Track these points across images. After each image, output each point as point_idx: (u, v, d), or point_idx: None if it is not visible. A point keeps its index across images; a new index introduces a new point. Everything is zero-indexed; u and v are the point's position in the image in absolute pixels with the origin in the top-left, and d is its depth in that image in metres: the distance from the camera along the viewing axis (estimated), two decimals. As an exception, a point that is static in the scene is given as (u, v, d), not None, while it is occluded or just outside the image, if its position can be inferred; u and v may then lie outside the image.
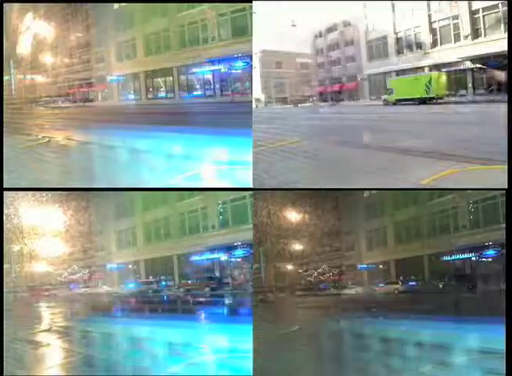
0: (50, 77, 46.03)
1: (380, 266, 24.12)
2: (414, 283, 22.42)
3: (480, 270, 19.50)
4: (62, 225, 20.69)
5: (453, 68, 40.10)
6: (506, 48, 24.39)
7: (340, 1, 53.12)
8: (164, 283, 23.98)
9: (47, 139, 18.45)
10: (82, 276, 24.09)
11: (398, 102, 41.33)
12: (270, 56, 60.22)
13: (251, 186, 10.72)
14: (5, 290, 10.70)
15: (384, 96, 44.48)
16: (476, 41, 37.76)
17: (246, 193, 19.50)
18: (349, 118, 32.14)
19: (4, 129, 12.26)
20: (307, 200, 20.77)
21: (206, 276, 21.91)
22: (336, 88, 55.62)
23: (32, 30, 37.41)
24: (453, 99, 38.96)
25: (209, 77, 41.42)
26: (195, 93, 42.67)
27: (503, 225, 9.98)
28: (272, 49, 63.51)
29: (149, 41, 47.32)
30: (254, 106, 45.66)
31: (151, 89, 48.23)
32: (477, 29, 37.70)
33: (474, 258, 19.76)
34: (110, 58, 49.27)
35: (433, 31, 42.42)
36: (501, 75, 34.88)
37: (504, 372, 7.77)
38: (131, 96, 47.94)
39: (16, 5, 29.90)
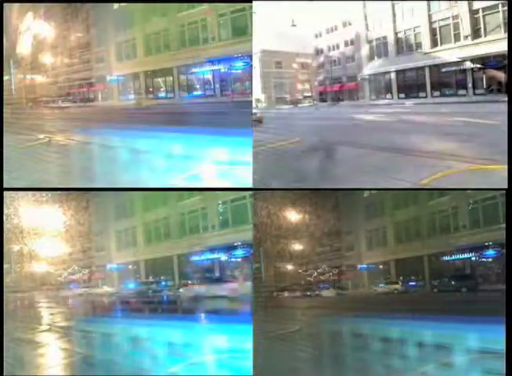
0: (50, 77, 45.99)
1: (380, 266, 24.13)
2: (414, 283, 22.44)
3: (480, 270, 19.52)
4: (62, 226, 20.67)
5: (453, 68, 40.09)
6: (506, 48, 24.45)
7: (341, 1, 53.13)
8: (163, 283, 23.98)
9: (47, 139, 18.47)
10: (82, 276, 24.08)
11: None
12: (270, 56, 60.22)
13: (251, 186, 10.72)
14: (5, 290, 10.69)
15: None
16: (476, 41, 37.75)
17: (246, 193, 19.50)
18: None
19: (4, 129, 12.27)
20: (307, 200, 20.76)
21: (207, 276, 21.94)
22: (336, 88, 55.62)
23: (32, 30, 37.45)
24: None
25: (209, 77, 41.45)
26: (195, 93, 42.71)
27: (503, 225, 9.98)
28: (272, 49, 63.53)
29: (149, 41, 47.35)
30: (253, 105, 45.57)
31: (151, 89, 48.28)
32: (478, 29, 37.69)
33: (474, 258, 19.76)
34: (110, 58, 49.28)
35: (433, 31, 42.41)
36: (501, 75, 34.90)
37: (504, 372, 7.77)
38: (131, 96, 47.89)
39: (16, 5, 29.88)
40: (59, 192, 18.46)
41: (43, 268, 22.37)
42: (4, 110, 12.46)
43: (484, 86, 37.96)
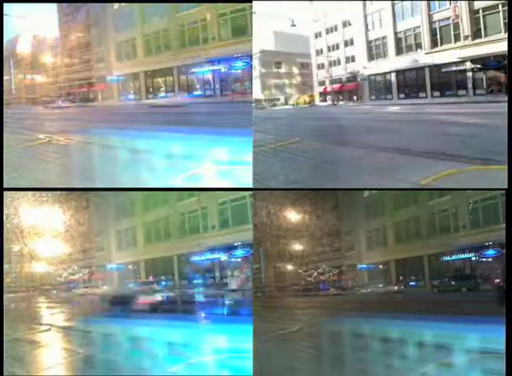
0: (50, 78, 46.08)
1: (380, 266, 24.14)
2: (414, 283, 22.44)
3: (480, 270, 19.53)
4: (62, 226, 20.68)
5: (453, 68, 40.11)
6: (506, 49, 24.44)
7: (341, 0, 53.16)
8: (163, 283, 23.99)
9: (47, 139, 18.48)
10: (82, 276, 24.09)
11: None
12: (270, 56, 60.22)
13: (251, 186, 10.71)
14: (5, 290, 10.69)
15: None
16: (476, 41, 37.75)
17: (246, 193, 19.50)
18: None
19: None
20: (307, 200, 20.77)
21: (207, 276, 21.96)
22: (336, 88, 55.62)
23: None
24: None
25: (209, 77, 41.48)
26: (195, 93, 42.73)
27: (503, 225, 9.97)
28: (272, 49, 63.57)
29: (149, 41, 47.39)
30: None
31: (151, 89, 48.33)
32: (478, 29, 37.69)
33: (474, 258, 19.77)
34: (110, 58, 49.31)
35: (433, 31, 42.42)
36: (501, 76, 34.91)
37: (504, 372, 7.77)
38: (131, 96, 48.04)
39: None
40: (59, 192, 18.47)
41: (43, 268, 22.38)
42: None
43: (485, 86, 37.97)
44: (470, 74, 38.98)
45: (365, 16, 51.08)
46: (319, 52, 58.67)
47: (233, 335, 10.20)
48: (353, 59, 54.03)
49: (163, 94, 46.67)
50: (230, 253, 20.76)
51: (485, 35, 36.98)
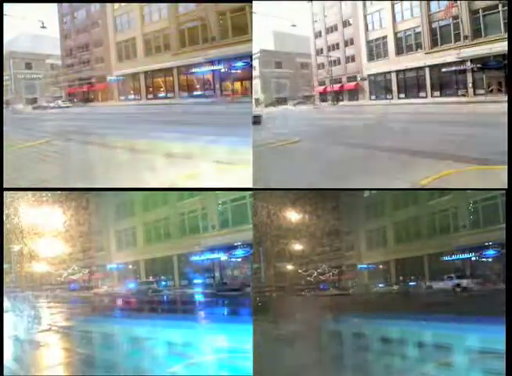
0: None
1: (380, 266, 24.14)
2: (414, 283, 22.44)
3: (480, 270, 19.53)
4: (62, 225, 20.68)
5: (453, 68, 40.10)
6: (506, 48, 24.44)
7: (342, 0, 53.18)
8: (163, 283, 23.99)
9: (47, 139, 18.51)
10: (82, 276, 24.10)
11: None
12: (270, 56, 60.24)
13: (251, 186, 10.71)
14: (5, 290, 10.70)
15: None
16: (476, 41, 37.75)
17: (246, 193, 19.50)
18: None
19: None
20: (307, 200, 20.78)
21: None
22: (336, 88, 55.62)
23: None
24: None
25: (209, 77, 41.49)
26: (195, 93, 42.75)
27: (503, 225, 9.98)
28: (272, 49, 63.59)
29: (149, 41, 47.38)
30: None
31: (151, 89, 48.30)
32: (478, 29, 37.69)
33: (474, 258, 19.77)
34: (110, 58, 49.35)
35: (433, 31, 42.42)
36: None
37: (504, 372, 7.77)
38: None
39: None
40: (59, 192, 18.47)
41: (43, 268, 22.39)
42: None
43: (484, 86, 37.97)
44: (470, 73, 38.99)
45: (365, 16, 51.07)
46: (319, 52, 58.67)
47: (233, 335, 10.19)
48: (353, 59, 54.04)
49: (163, 94, 46.70)
50: (230, 253, 20.76)
51: (485, 35, 36.98)
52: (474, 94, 38.54)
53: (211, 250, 21.71)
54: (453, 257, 20.54)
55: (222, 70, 39.32)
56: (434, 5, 41.76)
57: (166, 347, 9.71)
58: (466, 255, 20.00)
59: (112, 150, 15.45)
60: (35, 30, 50.10)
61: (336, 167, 12.01)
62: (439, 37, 41.88)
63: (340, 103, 54.17)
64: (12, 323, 12.15)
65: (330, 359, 8.87)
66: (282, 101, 59.34)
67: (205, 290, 21.22)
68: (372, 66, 50.88)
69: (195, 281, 22.31)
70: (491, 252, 18.80)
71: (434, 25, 42.04)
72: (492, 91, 36.85)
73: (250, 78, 38.89)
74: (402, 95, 46.92)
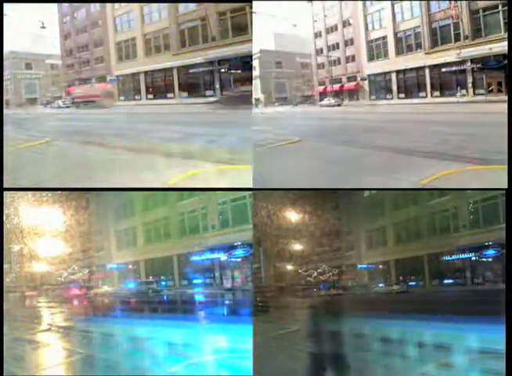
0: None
1: (380, 266, 24.13)
2: (414, 283, 22.43)
3: (480, 270, 19.53)
4: (62, 226, 20.68)
5: (453, 68, 40.11)
6: (506, 48, 24.40)
7: (341, 0, 53.17)
8: (164, 283, 23.98)
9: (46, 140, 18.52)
10: (82, 276, 24.08)
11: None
12: (270, 56, 60.25)
13: (251, 186, 10.71)
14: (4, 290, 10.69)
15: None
16: (476, 41, 37.76)
17: (246, 193, 19.50)
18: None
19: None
20: (307, 200, 20.76)
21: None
22: (336, 88, 55.62)
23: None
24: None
25: (209, 77, 41.49)
26: (195, 93, 42.73)
27: (503, 225, 9.97)
28: (272, 49, 63.57)
29: (149, 41, 47.38)
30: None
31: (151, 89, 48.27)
32: (478, 29, 37.70)
33: (474, 258, 19.76)
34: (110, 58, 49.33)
35: (433, 31, 42.43)
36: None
37: (504, 372, 7.77)
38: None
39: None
40: (59, 192, 18.46)
41: (43, 268, 22.38)
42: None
43: (484, 86, 37.98)
44: (470, 73, 38.99)
45: (365, 16, 51.09)
46: (319, 52, 58.67)
47: (233, 335, 10.19)
48: (353, 59, 54.04)
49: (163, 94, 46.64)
50: (230, 253, 20.75)
51: (485, 35, 36.99)
52: (474, 94, 38.55)
53: (211, 250, 21.69)
54: (453, 257, 20.54)
55: (222, 70, 39.33)
56: (434, 5, 41.76)
57: (166, 347, 9.71)
58: (466, 255, 20.00)
59: (112, 150, 15.48)
60: (35, 30, 50.11)
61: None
62: (439, 37, 41.89)
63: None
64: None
65: (329, 359, 8.86)
66: (282, 101, 59.34)
67: (205, 290, 21.22)
68: (372, 66, 50.88)
69: (195, 281, 22.30)
70: (491, 252, 18.80)
71: (434, 25, 42.05)
72: (492, 91, 36.86)
73: (250, 78, 38.86)
74: (402, 95, 46.93)
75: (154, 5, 45.58)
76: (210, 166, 11.93)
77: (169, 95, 45.66)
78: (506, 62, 31.89)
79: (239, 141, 15.55)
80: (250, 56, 37.07)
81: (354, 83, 53.78)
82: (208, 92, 41.42)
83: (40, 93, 58.24)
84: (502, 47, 32.16)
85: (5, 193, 10.75)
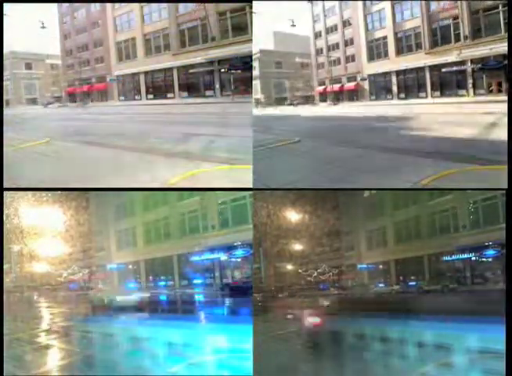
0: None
1: (380, 266, 24.12)
2: (414, 283, 22.41)
3: (480, 270, 19.52)
4: (62, 226, 20.66)
5: (453, 68, 40.11)
6: (506, 48, 24.36)
7: (342, 0, 53.17)
8: (163, 283, 23.97)
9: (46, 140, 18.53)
10: (82, 276, 24.07)
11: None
12: (270, 56, 60.22)
13: (251, 186, 10.71)
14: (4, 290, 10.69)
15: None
16: (476, 41, 37.76)
17: (246, 193, 19.50)
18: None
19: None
20: (307, 200, 20.76)
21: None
22: (336, 88, 55.59)
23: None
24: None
25: (209, 77, 41.47)
26: (195, 93, 42.71)
27: (503, 225, 9.97)
28: (272, 49, 63.52)
29: (149, 41, 47.37)
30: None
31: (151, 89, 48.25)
32: (478, 29, 37.70)
33: (474, 258, 19.75)
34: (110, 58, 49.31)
35: (433, 31, 42.42)
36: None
37: (504, 372, 7.77)
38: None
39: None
40: (59, 192, 18.46)
41: (43, 268, 22.36)
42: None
43: (484, 86, 37.98)
44: (470, 73, 38.99)
45: (365, 16, 51.09)
46: (319, 52, 58.65)
47: (233, 335, 10.19)
48: (353, 59, 54.03)
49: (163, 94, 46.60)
50: (230, 253, 20.75)
51: (485, 35, 36.98)
52: (474, 94, 38.55)
53: (211, 250, 21.69)
54: (453, 257, 20.52)
55: (222, 70, 39.33)
56: (434, 6, 41.76)
57: (166, 347, 9.71)
58: (466, 255, 19.98)
59: (111, 150, 15.49)
60: (35, 30, 50.10)
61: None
62: (439, 37, 41.89)
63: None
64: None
65: (329, 359, 8.87)
66: (282, 101, 59.32)
67: (205, 290, 21.21)
68: (372, 67, 50.87)
69: (195, 281, 22.29)
70: (491, 252, 18.79)
71: (434, 25, 42.05)
72: (492, 91, 36.86)
73: (250, 78, 38.86)
74: (402, 96, 46.94)
75: (154, 5, 45.56)
76: (210, 166, 11.95)
77: (169, 95, 45.63)
78: (506, 62, 31.89)
79: (239, 141, 15.56)
80: (250, 56, 37.06)
81: (354, 83, 53.77)
82: (208, 92, 41.41)
83: (40, 93, 58.23)
84: (502, 47, 32.16)
85: (5, 193, 10.75)
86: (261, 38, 60.31)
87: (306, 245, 22.41)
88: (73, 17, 55.72)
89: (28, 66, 56.89)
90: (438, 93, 42.70)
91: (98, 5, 51.76)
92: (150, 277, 24.64)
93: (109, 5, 49.89)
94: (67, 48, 57.04)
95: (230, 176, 11.20)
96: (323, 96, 57.92)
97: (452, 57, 39.73)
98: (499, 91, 35.44)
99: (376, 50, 50.43)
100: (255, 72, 53.59)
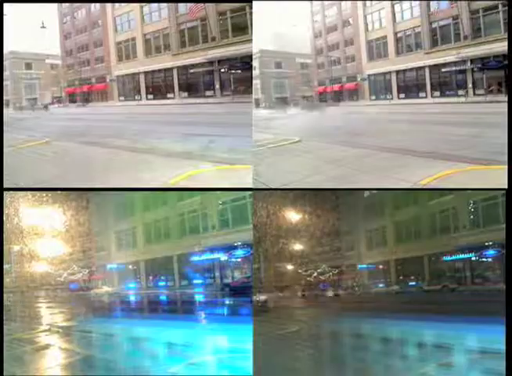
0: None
1: (380, 266, 24.11)
2: (414, 283, 22.42)
3: (480, 270, 19.53)
4: (62, 226, 20.65)
5: (453, 68, 40.10)
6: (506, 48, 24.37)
7: (342, 0, 53.17)
8: (163, 283, 23.97)
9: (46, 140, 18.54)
10: (82, 276, 24.05)
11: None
12: (270, 56, 60.17)
13: (251, 186, 10.71)
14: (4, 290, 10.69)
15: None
16: (476, 41, 37.74)
17: (246, 193, 19.49)
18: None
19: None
20: (307, 200, 20.75)
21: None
22: (336, 88, 55.57)
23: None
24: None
25: (209, 77, 41.45)
26: (195, 93, 42.69)
27: (503, 226, 9.97)
28: (272, 49, 63.46)
29: (149, 41, 47.37)
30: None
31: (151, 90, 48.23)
32: (478, 29, 37.68)
33: (474, 258, 19.76)
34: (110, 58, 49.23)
35: (433, 31, 42.40)
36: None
37: (504, 372, 7.76)
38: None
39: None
40: (59, 192, 18.45)
41: (43, 268, 22.35)
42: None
43: (484, 86, 37.96)
44: (470, 73, 38.97)
45: (365, 16, 51.08)
46: (319, 52, 58.63)
47: (233, 335, 10.19)
48: (353, 59, 54.02)
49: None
50: (230, 253, 20.75)
51: (485, 35, 36.96)
52: (474, 94, 38.54)
53: (211, 250, 21.69)
54: (453, 257, 20.53)
55: (222, 70, 39.32)
56: (434, 5, 41.75)
57: (166, 347, 9.71)
58: (466, 255, 19.99)
59: (111, 150, 15.49)
60: (35, 30, 50.02)
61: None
62: (439, 37, 41.86)
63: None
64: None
65: (329, 359, 8.87)
66: (282, 101, 59.26)
67: (205, 290, 21.21)
68: (372, 66, 50.85)
69: (195, 281, 22.29)
70: (491, 252, 18.79)
71: (434, 25, 42.04)
72: (492, 91, 36.84)
73: (251, 78, 38.84)
74: (402, 95, 46.92)
75: (154, 5, 45.54)
76: (211, 166, 11.95)
77: (169, 95, 45.61)
78: (506, 62, 31.87)
79: (239, 141, 15.55)
80: (250, 56, 37.05)
81: (354, 83, 53.75)
82: (208, 92, 41.39)
83: (40, 93, 58.14)
84: (502, 47, 32.14)
85: (5, 193, 10.75)
86: (262, 38, 60.26)
87: (306, 245, 22.40)
88: (74, 17, 55.68)
89: (28, 66, 56.85)
90: (437, 93, 42.68)
91: (98, 5, 51.71)
92: (150, 277, 24.64)
93: (109, 5, 49.84)
94: (67, 48, 57.00)
95: (230, 176, 11.20)
96: (323, 96, 57.90)
97: (451, 57, 39.71)
98: (499, 91, 35.42)
99: (375, 50, 50.42)
100: (255, 72, 53.54)
